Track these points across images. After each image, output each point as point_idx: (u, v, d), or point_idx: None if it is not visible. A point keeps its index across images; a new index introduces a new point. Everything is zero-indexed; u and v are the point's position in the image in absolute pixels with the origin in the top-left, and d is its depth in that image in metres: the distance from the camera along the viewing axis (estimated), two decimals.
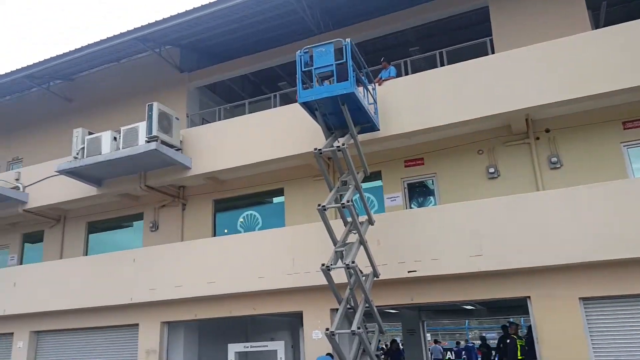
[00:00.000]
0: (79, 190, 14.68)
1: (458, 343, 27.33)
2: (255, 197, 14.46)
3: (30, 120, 18.54)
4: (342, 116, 10.00)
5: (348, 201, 9.35)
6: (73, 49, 15.02)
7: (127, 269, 13.62)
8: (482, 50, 12.65)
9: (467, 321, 29.52)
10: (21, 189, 15.80)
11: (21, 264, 17.11)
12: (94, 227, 16.53)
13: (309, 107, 10.24)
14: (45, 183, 15.31)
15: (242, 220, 14.48)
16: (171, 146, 13.20)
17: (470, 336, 29.87)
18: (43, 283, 14.73)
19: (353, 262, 9.03)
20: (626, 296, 9.21)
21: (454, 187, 11.96)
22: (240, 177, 13.88)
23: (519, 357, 10.70)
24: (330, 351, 10.64)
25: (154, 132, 12.75)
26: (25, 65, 15.97)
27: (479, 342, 19.58)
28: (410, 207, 12.43)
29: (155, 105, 12.94)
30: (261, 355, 16.70)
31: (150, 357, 13.30)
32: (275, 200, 14.36)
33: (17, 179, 16.03)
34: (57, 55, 15.30)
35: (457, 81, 11.26)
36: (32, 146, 18.10)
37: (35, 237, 17.37)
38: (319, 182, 12.99)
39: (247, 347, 13.21)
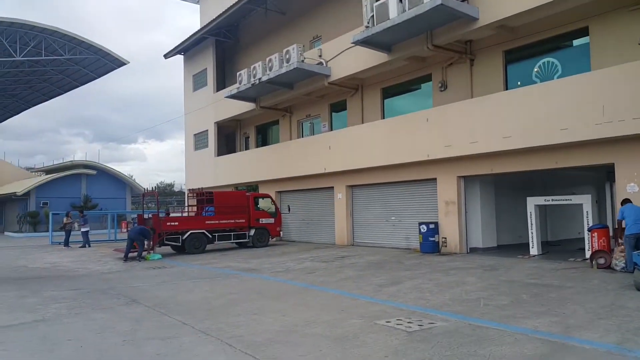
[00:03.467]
0: (372, 58, 16.79)
1: None
2: (551, 42, 13.72)
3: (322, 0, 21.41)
4: None
5: None
6: None
7: (422, 128, 15.45)
8: None
9: None
10: (324, 64, 19.04)
11: (331, 130, 21.19)
12: (387, 93, 18.84)
13: None
14: (344, 56, 18.03)
15: (537, 70, 14.10)
16: None
17: None
18: (351, 145, 18.19)
19: None
20: None
21: None
22: (534, 21, 13.20)
23: None
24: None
25: None
26: None
27: None
28: None
29: None
30: (560, 209, 17.08)
31: (449, 207, 15.33)
32: (577, 42, 13.32)
33: (319, 56, 19.32)
34: None
35: None
36: (328, 23, 21.08)
37: (339, 106, 21.03)
38: (637, 13, 11.40)
39: (548, 200, 13.64)
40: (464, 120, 14.26)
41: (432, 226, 15.24)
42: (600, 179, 18.73)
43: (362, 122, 19.20)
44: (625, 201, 10.53)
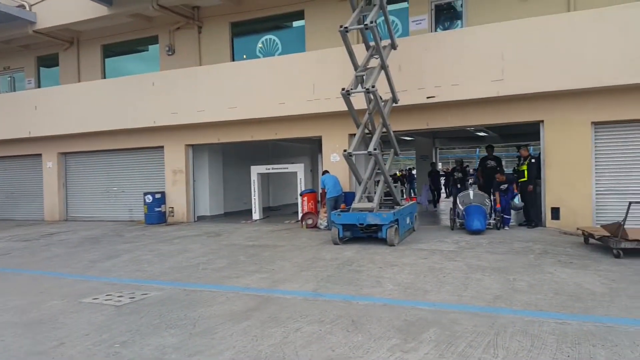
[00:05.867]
0: (89, 9, 15.03)
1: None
2: (274, 21, 14.75)
3: None
4: None
5: (372, 22, 9.68)
6: None
7: (147, 92, 14.67)
8: None
9: (477, 149, 31.31)
10: (27, 8, 16.15)
11: (39, 87, 18.28)
12: (110, 51, 17.23)
13: None
14: (54, 2, 15.61)
15: (261, 45, 14.97)
16: None
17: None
18: (64, 106, 16.01)
19: (373, 87, 9.64)
20: (636, 121, 10.09)
21: (484, 8, 12.08)
22: None
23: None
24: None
25: None
26: None
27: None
28: (436, 31, 12.74)
29: None
30: (281, 177, 18.83)
31: (177, 176, 15.13)
32: (296, 24, 14.64)
33: None
34: None
35: None
36: None
37: (50, 61, 18.27)
38: (344, 5, 13.13)
39: (269, 168, 14.81)
40: (191, 87, 14.10)
41: (158, 196, 14.79)
42: (314, 150, 21.37)
43: (79, 81, 17.17)
44: (325, 172, 12.47)
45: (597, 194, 10.40)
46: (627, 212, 7.59)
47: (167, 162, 15.28)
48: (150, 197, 14.72)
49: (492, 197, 11.12)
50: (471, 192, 11.17)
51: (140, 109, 14.72)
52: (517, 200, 10.95)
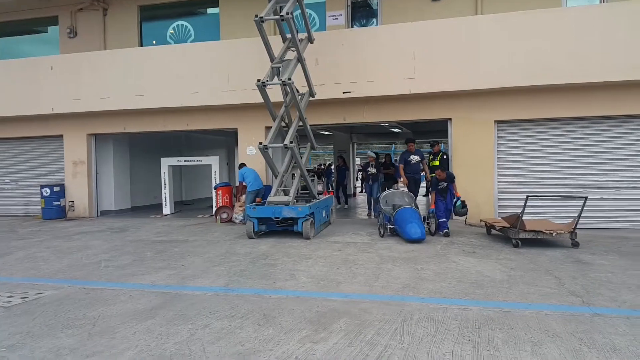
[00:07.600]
0: None
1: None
2: (186, 6, 14.28)
3: None
4: None
5: (288, 13, 9.63)
6: None
7: (45, 77, 13.59)
8: None
9: (393, 145, 32.69)
10: None
11: None
12: (0, 31, 15.74)
13: None
14: None
15: (172, 31, 14.42)
16: None
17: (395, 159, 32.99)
18: None
19: (289, 79, 9.62)
20: (534, 120, 10.99)
21: (398, 8, 12.51)
22: None
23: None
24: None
25: None
26: None
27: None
28: (352, 28, 12.99)
29: None
30: (196, 170, 18.31)
31: (78, 168, 14.20)
32: (210, 11, 14.26)
33: None
34: None
35: None
36: None
37: None
38: None
39: (181, 161, 14.32)
40: (95, 73, 13.25)
41: (57, 189, 13.80)
42: (230, 142, 21.03)
43: None
44: (242, 165, 12.25)
45: (499, 188, 11.20)
46: (524, 205, 8.22)
47: (67, 152, 14.29)
48: (48, 190, 13.69)
49: (427, 196, 10.93)
50: (397, 192, 10.25)
51: (37, 94, 13.60)
52: (459, 203, 9.46)
